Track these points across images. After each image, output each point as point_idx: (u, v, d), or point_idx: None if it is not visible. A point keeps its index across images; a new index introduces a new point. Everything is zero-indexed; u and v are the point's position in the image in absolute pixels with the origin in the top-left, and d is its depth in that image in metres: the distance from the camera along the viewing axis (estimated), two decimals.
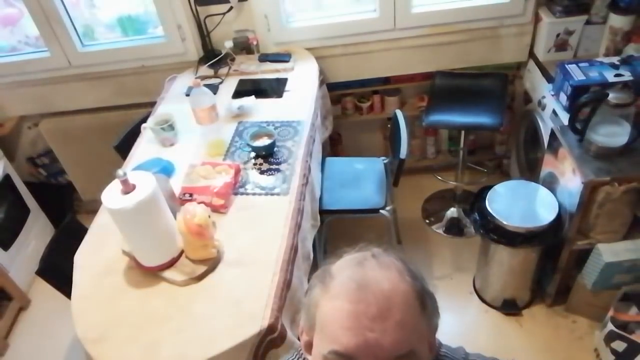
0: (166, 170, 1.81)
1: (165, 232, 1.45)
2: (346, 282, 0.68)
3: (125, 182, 1.33)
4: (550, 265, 2.15)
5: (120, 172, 1.32)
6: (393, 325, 0.65)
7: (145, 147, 2.01)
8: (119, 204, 1.32)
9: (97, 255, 1.59)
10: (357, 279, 0.68)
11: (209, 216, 1.42)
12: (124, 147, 2.12)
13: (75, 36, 2.47)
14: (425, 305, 0.70)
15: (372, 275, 0.68)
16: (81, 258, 1.60)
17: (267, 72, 2.36)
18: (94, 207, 1.75)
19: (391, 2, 2.32)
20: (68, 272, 1.56)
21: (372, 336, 0.64)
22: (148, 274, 1.48)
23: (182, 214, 1.40)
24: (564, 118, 1.97)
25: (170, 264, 1.47)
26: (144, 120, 2.13)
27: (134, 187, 1.34)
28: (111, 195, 1.35)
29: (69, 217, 2.04)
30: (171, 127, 1.97)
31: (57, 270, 1.72)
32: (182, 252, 1.50)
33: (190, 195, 1.67)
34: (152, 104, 2.31)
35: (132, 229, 1.40)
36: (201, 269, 1.45)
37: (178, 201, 1.64)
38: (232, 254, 1.51)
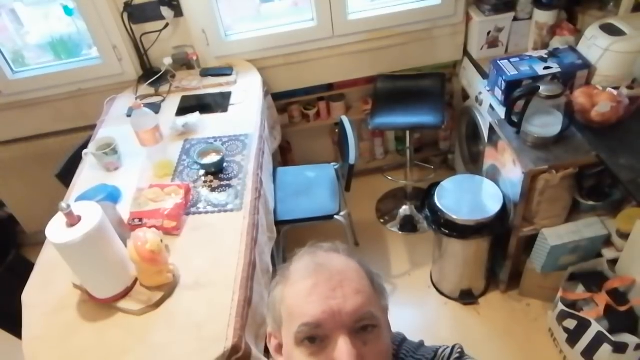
0: (112, 196, 1.76)
1: (117, 262, 1.41)
2: (304, 266, 0.76)
3: (69, 215, 1.28)
4: (501, 253, 2.24)
5: (63, 204, 1.27)
6: (351, 292, 0.71)
7: (88, 174, 1.95)
8: (64, 237, 1.27)
9: (47, 291, 1.52)
10: (313, 261, 0.76)
11: (162, 240, 1.39)
12: (66, 174, 2.04)
13: (4, 63, 2.35)
14: (373, 280, 0.78)
15: (325, 256, 0.77)
16: (29, 296, 1.52)
17: (210, 86, 2.33)
18: (39, 239, 1.66)
19: (328, 11, 2.35)
20: (17, 312, 1.48)
21: (335, 302, 0.70)
22: (103, 306, 1.43)
23: (133, 241, 1.37)
24: (501, 112, 2.07)
25: (125, 293, 1.43)
26: (85, 145, 2.05)
27: (79, 218, 1.30)
28: (56, 229, 1.30)
29: (13, 253, 1.94)
30: (114, 151, 1.91)
31: (3, 312, 1.63)
32: (136, 280, 1.46)
33: (140, 220, 1.63)
34: (93, 127, 2.24)
35: (81, 262, 1.35)
36: (158, 295, 1.42)
37: (127, 228, 1.59)
38: (189, 277, 1.49)
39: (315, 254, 0.78)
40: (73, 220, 1.29)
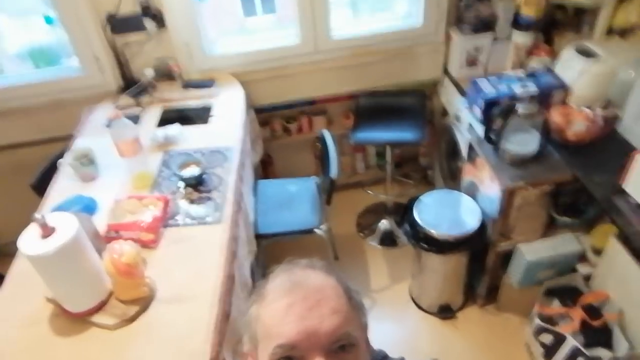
0: (88, 208, 1.73)
1: (91, 275, 1.38)
2: (279, 285, 0.74)
3: (43, 226, 1.25)
4: (479, 268, 2.26)
5: (37, 215, 1.25)
6: (328, 311, 0.70)
7: (64, 184, 1.91)
8: (38, 249, 1.24)
9: (18, 304, 1.48)
10: (289, 279, 0.74)
11: (138, 253, 1.37)
12: (41, 184, 1.99)
13: None
14: (352, 298, 0.76)
15: (302, 274, 0.75)
16: None
17: (192, 98, 2.33)
18: (11, 250, 1.62)
19: (311, 28, 2.38)
20: None
21: (310, 323, 0.69)
22: (76, 321, 1.39)
23: (109, 253, 1.34)
24: (480, 130, 2.10)
25: (99, 307, 1.40)
26: (61, 155, 2.02)
27: (53, 230, 1.27)
28: (29, 240, 1.27)
29: None
30: (90, 161, 1.89)
31: None
32: (111, 293, 1.43)
33: (117, 232, 1.60)
34: (70, 138, 2.20)
35: (55, 274, 1.32)
36: (133, 309, 1.39)
37: (104, 240, 1.57)
38: (165, 291, 1.46)
39: (292, 272, 0.76)
40: (47, 231, 1.26)
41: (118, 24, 2.25)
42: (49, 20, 2.30)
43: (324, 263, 0.79)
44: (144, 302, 1.41)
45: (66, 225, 1.29)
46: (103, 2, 2.20)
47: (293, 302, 0.70)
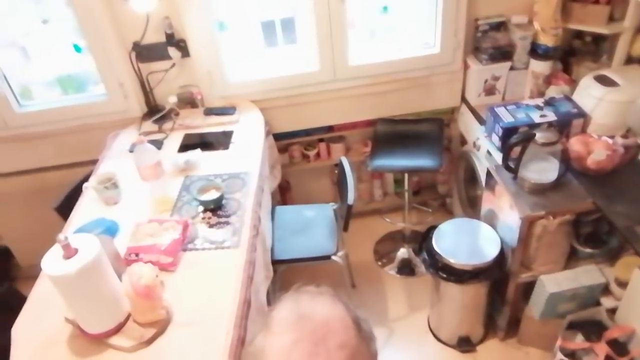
0: (110, 230, 1.76)
1: (111, 296, 1.39)
2: (285, 317, 0.72)
3: (66, 247, 1.28)
4: (499, 299, 2.21)
5: (61, 236, 1.28)
6: (335, 346, 0.68)
7: (87, 207, 1.95)
8: (60, 270, 1.27)
9: (38, 325, 1.50)
10: (295, 312, 0.72)
11: (157, 276, 1.38)
12: (65, 208, 2.04)
13: (12, 96, 2.40)
14: (360, 327, 0.74)
15: (308, 306, 0.73)
16: (19, 331, 1.49)
17: (213, 125, 2.37)
18: (34, 272, 1.65)
19: (330, 56, 2.42)
20: (5, 347, 1.45)
21: None
22: (94, 342, 1.41)
23: (128, 275, 1.36)
24: (498, 157, 2.09)
25: (117, 329, 1.41)
26: (86, 179, 2.07)
27: (76, 251, 1.30)
28: (52, 261, 1.30)
29: (5, 285, 1.92)
30: (114, 185, 1.93)
31: None
32: (129, 315, 1.44)
33: (137, 255, 1.63)
34: (95, 162, 2.26)
35: (75, 295, 1.34)
36: (150, 332, 1.40)
37: (123, 262, 1.59)
38: (182, 314, 1.47)
39: (298, 302, 0.74)
40: (70, 252, 1.29)
41: (143, 53, 2.33)
42: (78, 49, 2.39)
43: (331, 291, 0.77)
44: (161, 325, 1.42)
45: (88, 247, 1.31)
46: (129, 31, 2.28)
47: (299, 337, 0.68)
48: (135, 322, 1.43)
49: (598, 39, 2.34)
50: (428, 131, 2.57)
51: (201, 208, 1.87)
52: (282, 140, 2.72)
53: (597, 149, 1.90)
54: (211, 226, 1.79)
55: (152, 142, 2.10)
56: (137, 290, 1.34)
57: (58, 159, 2.58)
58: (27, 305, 1.58)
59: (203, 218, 1.83)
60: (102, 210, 1.92)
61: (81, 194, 2.03)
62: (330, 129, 2.77)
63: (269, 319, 0.74)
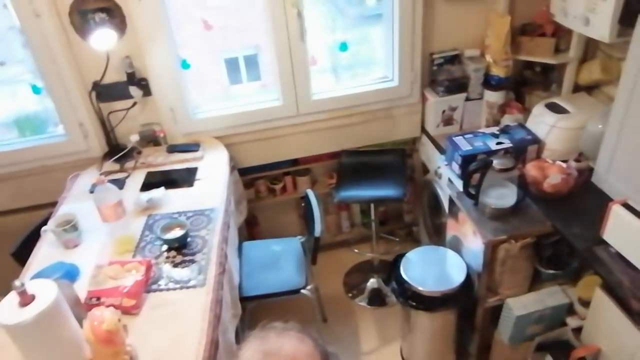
0: (70, 274, 1.70)
1: (71, 344, 1.34)
2: (252, 356, 0.71)
3: (22, 293, 1.23)
4: (469, 326, 2.23)
5: (17, 282, 1.23)
6: None
7: (46, 252, 1.88)
8: (15, 318, 1.21)
9: None
10: (261, 350, 0.71)
11: (119, 320, 1.34)
12: (23, 253, 1.96)
13: None
14: None
15: (274, 343, 0.72)
16: None
17: (176, 162, 2.36)
18: None
19: (292, 91, 2.47)
20: None
21: None
22: None
23: (89, 320, 1.31)
24: (459, 185, 2.15)
25: None
26: (45, 222, 2.01)
27: (32, 297, 1.25)
28: (7, 309, 1.24)
29: None
30: (74, 228, 1.87)
31: None
32: None
33: (98, 298, 1.57)
34: (54, 205, 2.20)
35: (32, 344, 1.28)
36: None
37: (84, 307, 1.53)
38: (147, 358, 1.42)
39: (265, 340, 0.74)
40: (26, 299, 1.23)
41: (104, 92, 2.32)
42: (36, 90, 2.36)
43: (299, 327, 0.77)
44: None
45: (46, 293, 1.27)
46: (89, 71, 2.27)
47: None
48: None
49: (547, 68, 2.47)
50: (391, 161, 2.63)
51: (165, 247, 1.84)
52: (248, 175, 2.72)
53: (552, 174, 1.97)
54: (176, 265, 1.76)
55: (114, 181, 2.07)
56: (99, 336, 1.29)
57: (15, 203, 2.50)
58: None
59: (167, 257, 1.79)
60: (62, 253, 1.86)
61: (39, 238, 1.97)
62: (295, 162, 2.79)
63: (236, 359, 0.73)
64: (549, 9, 2.18)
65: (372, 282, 2.82)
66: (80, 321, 1.37)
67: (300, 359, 0.71)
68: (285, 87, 2.46)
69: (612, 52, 2.16)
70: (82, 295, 1.59)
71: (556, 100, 2.23)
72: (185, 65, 2.41)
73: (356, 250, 2.90)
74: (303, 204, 2.47)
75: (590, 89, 2.32)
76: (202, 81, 2.60)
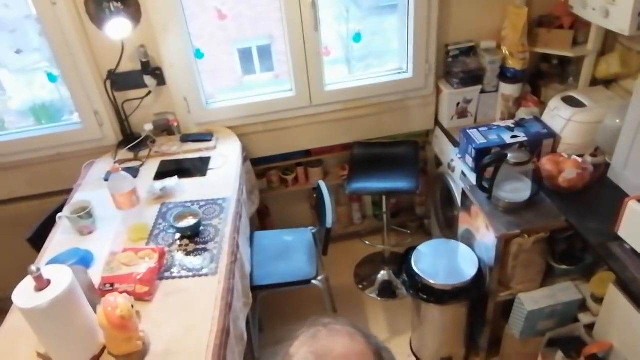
0: (84, 260, 1.72)
1: (85, 328, 1.36)
2: (304, 357, 0.69)
3: (38, 278, 1.25)
4: (480, 319, 2.22)
5: (33, 267, 1.25)
6: None
7: (61, 238, 1.91)
8: (31, 302, 1.24)
9: None
10: (314, 351, 0.69)
11: (132, 306, 1.35)
12: (38, 239, 1.99)
13: None
14: (382, 359, 0.71)
15: (327, 344, 0.70)
16: None
17: (190, 152, 2.37)
18: (4, 306, 1.60)
19: (305, 82, 2.46)
20: None
21: None
22: None
23: (103, 306, 1.33)
24: (472, 178, 2.13)
25: None
26: (60, 209, 2.03)
27: (48, 282, 1.27)
28: (23, 293, 1.26)
29: None
30: (89, 215, 1.90)
31: None
32: (104, 347, 1.40)
33: (112, 285, 1.59)
34: (68, 192, 2.23)
35: (48, 328, 1.30)
36: None
37: (98, 293, 1.55)
38: (159, 345, 1.44)
39: (317, 338, 0.71)
40: (42, 284, 1.25)
41: (119, 81, 2.33)
42: (52, 78, 2.38)
43: (349, 322, 0.74)
44: (137, 357, 1.38)
45: (61, 278, 1.29)
46: (104, 59, 2.28)
47: None
48: (110, 354, 1.39)
49: (564, 61, 2.43)
50: (404, 154, 2.61)
51: (178, 235, 1.85)
52: (260, 166, 2.73)
53: (567, 168, 1.95)
54: (188, 254, 1.77)
55: (128, 170, 2.08)
56: (112, 321, 1.31)
57: (31, 189, 2.53)
58: None
59: (180, 245, 1.81)
60: (76, 240, 1.88)
61: (55, 225, 1.99)
62: (307, 153, 2.79)
63: (286, 358, 0.71)
64: (568, 0, 2.15)
65: (383, 274, 2.82)
66: (94, 307, 1.39)
67: (352, 359, 0.68)
68: (298, 77, 2.45)
69: (632, 45, 2.12)
70: (96, 282, 1.61)
71: (573, 93, 2.20)
72: (199, 54, 2.42)
73: (367, 242, 2.90)
74: (315, 195, 2.47)
75: (608, 82, 2.28)
76: (216, 71, 2.60)
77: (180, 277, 1.68)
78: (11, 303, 1.35)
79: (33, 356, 1.42)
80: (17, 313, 1.52)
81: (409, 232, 3.03)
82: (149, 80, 2.32)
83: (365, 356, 0.69)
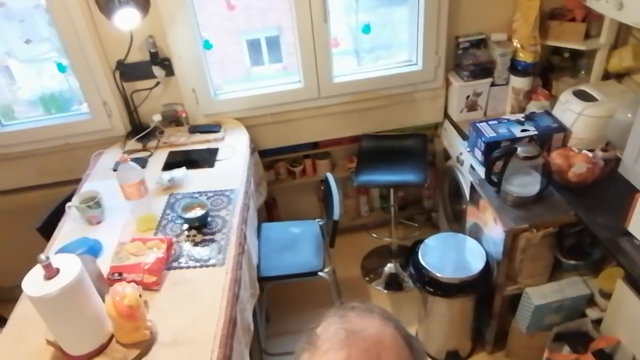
0: (93, 250, 1.73)
1: (93, 317, 1.37)
2: (334, 334, 0.67)
3: (47, 267, 1.26)
4: (486, 313, 2.22)
5: (42, 256, 1.26)
6: None
7: (70, 227, 1.93)
8: (41, 290, 1.25)
9: (18, 348, 1.46)
10: (344, 328, 0.67)
11: (140, 295, 1.36)
12: (47, 228, 2.01)
13: None
14: (412, 346, 0.70)
15: (358, 322, 0.68)
16: (0, 354, 1.46)
17: (198, 143, 2.37)
18: (14, 294, 1.62)
19: (314, 73, 2.45)
20: None
21: None
22: None
23: (111, 295, 1.34)
24: (481, 172, 2.12)
25: (100, 350, 1.38)
26: (69, 199, 2.05)
27: (57, 271, 1.28)
28: (33, 282, 1.27)
29: None
30: (97, 204, 1.91)
31: None
32: (112, 336, 1.41)
33: (120, 274, 1.60)
34: (77, 182, 2.24)
35: (57, 316, 1.31)
36: (133, 353, 1.37)
37: (106, 282, 1.56)
38: (166, 334, 1.45)
39: (346, 318, 0.69)
40: (51, 272, 1.26)
41: (127, 71, 2.33)
42: (61, 68, 2.39)
43: (381, 308, 0.73)
44: (145, 346, 1.39)
45: (70, 267, 1.29)
46: (113, 50, 2.28)
47: (350, 355, 0.64)
48: (118, 343, 1.40)
49: (576, 55, 2.40)
50: (412, 147, 2.60)
51: (186, 226, 1.86)
52: (268, 157, 2.73)
53: (577, 163, 1.93)
54: (196, 244, 1.78)
55: (136, 160, 2.09)
56: (120, 310, 1.32)
57: (40, 179, 2.55)
58: (8, 327, 1.54)
59: (188, 236, 1.82)
60: (85, 229, 1.89)
61: (64, 214, 2.01)
62: (315, 145, 2.79)
63: (313, 337, 0.69)
64: None
65: (390, 267, 2.82)
66: (102, 296, 1.41)
67: (385, 341, 0.66)
68: (307, 69, 2.44)
69: None
70: (105, 271, 1.62)
71: (584, 87, 2.18)
72: (207, 45, 2.41)
73: (374, 235, 2.90)
74: (322, 187, 2.47)
75: (620, 76, 2.25)
76: (224, 62, 2.60)
77: (188, 268, 1.69)
78: (21, 291, 1.36)
79: (42, 343, 1.43)
80: (26, 301, 1.53)
81: (416, 225, 3.03)
82: (157, 70, 2.32)
83: (396, 340, 0.68)
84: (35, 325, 1.43)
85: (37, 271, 1.29)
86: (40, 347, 1.43)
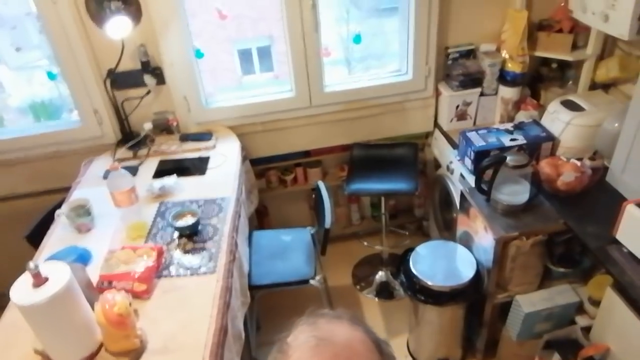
0: (82, 258, 1.72)
1: (82, 326, 1.35)
2: (304, 342, 0.68)
3: (36, 275, 1.25)
4: (477, 321, 2.22)
5: (31, 264, 1.24)
6: None
7: (59, 235, 1.91)
8: (29, 299, 1.23)
9: (6, 357, 1.44)
10: (314, 335, 0.68)
11: (130, 304, 1.35)
12: (36, 236, 1.99)
13: None
14: (382, 351, 0.71)
15: (327, 328, 0.69)
16: None
17: (189, 151, 2.37)
18: (2, 303, 1.60)
19: (305, 83, 2.46)
20: None
21: None
22: None
23: (100, 303, 1.33)
24: (471, 180, 2.14)
25: (89, 359, 1.37)
26: (58, 206, 2.03)
27: (46, 279, 1.27)
28: (21, 290, 1.26)
29: None
30: (87, 212, 1.89)
31: None
32: (101, 345, 1.40)
33: (110, 282, 1.59)
34: (67, 189, 2.22)
35: (45, 325, 1.30)
36: None
37: (96, 290, 1.55)
38: (157, 342, 1.43)
39: (316, 325, 0.70)
40: (39, 280, 1.25)
41: (118, 80, 2.33)
42: (51, 76, 2.38)
43: (350, 314, 0.74)
44: (134, 354, 1.38)
45: (59, 275, 1.28)
46: (104, 58, 2.28)
47: None
48: (107, 351, 1.39)
49: (563, 65, 2.44)
50: (403, 155, 2.62)
51: (177, 234, 1.85)
52: (259, 165, 2.73)
53: (566, 171, 1.95)
54: (187, 252, 1.77)
55: (127, 168, 2.08)
56: (110, 318, 1.31)
57: (30, 186, 2.53)
58: None
59: (178, 244, 1.81)
60: (75, 238, 1.88)
61: (53, 222, 1.99)
62: (307, 153, 2.79)
63: (284, 346, 0.70)
64: (567, 5, 2.15)
65: (381, 275, 2.82)
66: (92, 304, 1.39)
67: (354, 345, 0.67)
68: (298, 78, 2.46)
69: (631, 49, 2.13)
70: (95, 279, 1.61)
71: (572, 97, 2.21)
72: (199, 54, 2.42)
73: (365, 243, 2.91)
74: (314, 196, 2.47)
75: (607, 86, 2.29)
76: (216, 70, 2.60)
77: (179, 276, 1.68)
78: (9, 299, 1.35)
79: (30, 353, 1.41)
80: (14, 309, 1.52)
81: (407, 233, 3.04)
82: (148, 79, 2.32)
83: (366, 344, 0.69)
84: (24, 333, 1.41)
85: (25, 279, 1.27)
86: (29, 357, 1.41)
